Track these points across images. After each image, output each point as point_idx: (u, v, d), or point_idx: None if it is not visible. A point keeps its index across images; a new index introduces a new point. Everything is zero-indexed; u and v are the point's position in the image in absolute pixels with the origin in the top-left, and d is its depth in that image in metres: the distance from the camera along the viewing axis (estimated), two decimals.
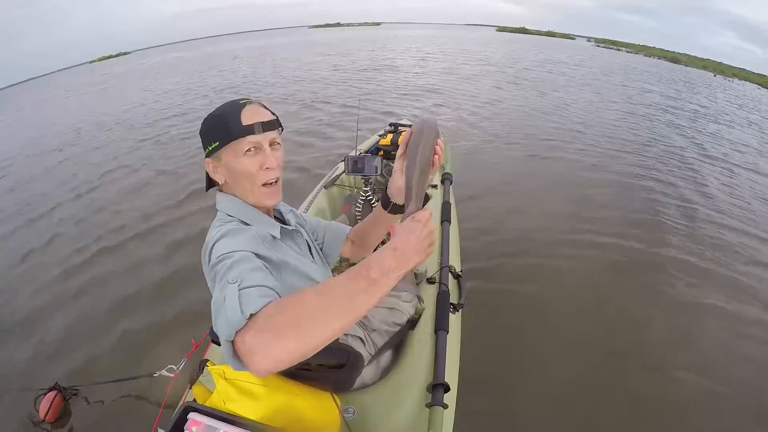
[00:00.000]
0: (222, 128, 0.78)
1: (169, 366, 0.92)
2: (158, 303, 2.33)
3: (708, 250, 2.90)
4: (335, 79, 10.50)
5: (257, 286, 0.57)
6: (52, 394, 1.65)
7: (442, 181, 2.22)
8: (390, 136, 2.55)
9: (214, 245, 0.71)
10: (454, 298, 1.40)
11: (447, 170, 2.32)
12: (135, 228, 3.21)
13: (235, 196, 0.84)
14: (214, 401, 0.76)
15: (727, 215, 3.52)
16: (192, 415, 0.71)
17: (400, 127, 2.75)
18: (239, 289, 0.55)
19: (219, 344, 0.86)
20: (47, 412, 1.60)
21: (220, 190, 0.87)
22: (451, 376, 1.12)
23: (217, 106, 0.80)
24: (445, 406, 0.98)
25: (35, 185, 4.55)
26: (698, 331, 2.10)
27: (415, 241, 0.60)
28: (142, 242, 3.04)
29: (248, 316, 0.51)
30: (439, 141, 0.78)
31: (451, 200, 2.05)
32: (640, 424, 1.56)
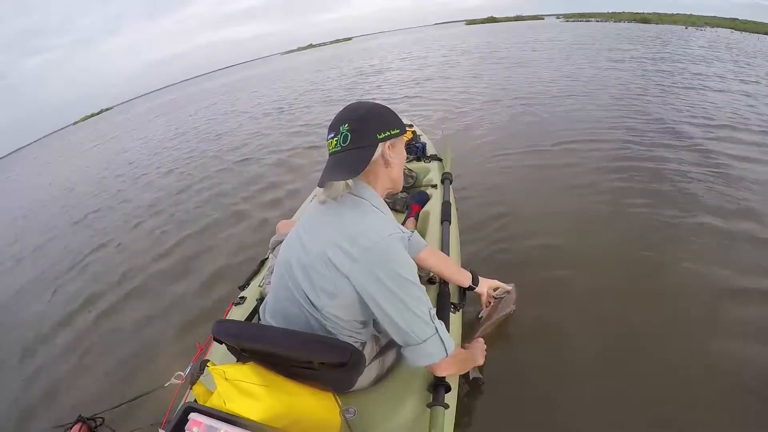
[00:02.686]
0: (399, 120, 0.97)
1: (177, 373, 0.95)
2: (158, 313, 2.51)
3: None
4: (343, 84, 11.55)
5: (444, 326, 0.94)
6: (77, 426, 1.67)
7: (442, 181, 2.22)
8: None
9: (388, 248, 0.85)
10: (454, 298, 1.42)
11: (447, 170, 2.32)
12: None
13: (372, 188, 0.96)
14: (215, 401, 0.77)
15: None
16: (193, 416, 0.71)
17: None
18: (442, 328, 0.92)
19: (221, 342, 0.95)
20: None
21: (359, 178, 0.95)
22: (452, 376, 1.13)
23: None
24: (446, 406, 0.99)
25: None
26: None
27: (481, 353, 1.36)
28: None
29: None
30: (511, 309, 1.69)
31: (451, 200, 2.05)
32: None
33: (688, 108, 4.92)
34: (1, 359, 2.53)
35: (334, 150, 0.91)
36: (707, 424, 1.37)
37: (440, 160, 2.54)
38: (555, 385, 1.57)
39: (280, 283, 0.99)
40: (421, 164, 2.51)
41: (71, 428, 1.68)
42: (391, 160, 0.95)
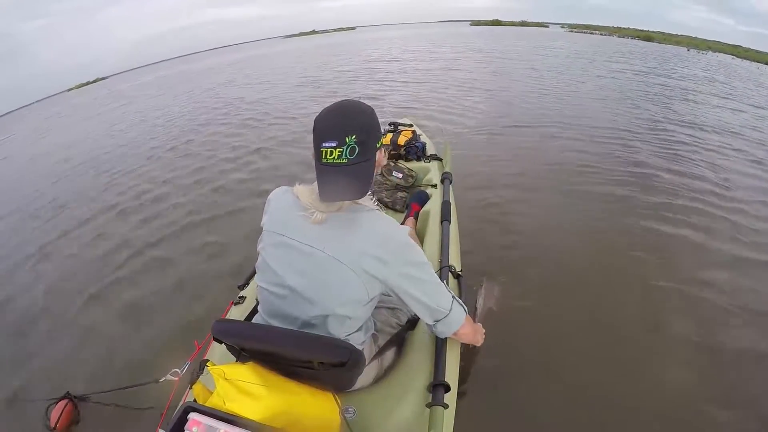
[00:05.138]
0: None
1: (174, 370, 0.93)
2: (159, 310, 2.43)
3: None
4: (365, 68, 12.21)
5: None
6: (62, 402, 1.69)
7: (442, 181, 2.22)
8: (389, 135, 2.59)
9: (406, 243, 0.91)
10: (452, 287, 1.40)
11: (447, 169, 2.32)
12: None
13: None
14: (215, 401, 0.76)
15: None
16: (192, 415, 0.71)
17: (399, 127, 2.80)
18: (455, 298, 1.02)
19: (220, 342, 0.93)
20: (58, 419, 1.64)
21: None
22: (451, 376, 1.13)
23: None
24: (446, 406, 0.99)
25: None
26: None
27: (481, 334, 1.26)
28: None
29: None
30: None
31: (451, 199, 2.05)
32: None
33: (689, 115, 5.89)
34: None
35: (338, 162, 0.82)
36: None
37: (440, 159, 2.55)
38: (554, 385, 1.61)
39: (274, 286, 0.96)
40: (421, 164, 2.51)
41: (56, 403, 1.69)
42: (377, 167, 0.93)
